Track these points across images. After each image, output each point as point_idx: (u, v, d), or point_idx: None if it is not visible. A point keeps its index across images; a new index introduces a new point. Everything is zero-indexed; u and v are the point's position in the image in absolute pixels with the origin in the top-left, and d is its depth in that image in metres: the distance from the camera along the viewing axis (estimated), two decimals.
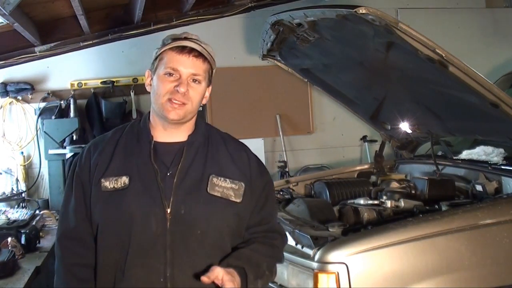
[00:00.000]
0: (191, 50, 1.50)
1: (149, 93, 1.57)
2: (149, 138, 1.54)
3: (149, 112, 1.60)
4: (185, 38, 1.51)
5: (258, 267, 1.51)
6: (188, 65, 1.49)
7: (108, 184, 1.48)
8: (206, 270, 1.42)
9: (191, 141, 1.56)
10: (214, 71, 1.59)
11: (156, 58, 1.54)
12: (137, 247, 1.44)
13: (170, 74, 1.49)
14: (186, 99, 1.49)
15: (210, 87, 1.61)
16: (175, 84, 1.48)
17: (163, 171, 1.49)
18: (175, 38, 1.52)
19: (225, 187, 1.51)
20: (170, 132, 1.55)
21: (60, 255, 1.55)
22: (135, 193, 1.47)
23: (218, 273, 1.39)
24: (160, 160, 1.51)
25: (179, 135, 1.56)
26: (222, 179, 1.52)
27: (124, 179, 1.48)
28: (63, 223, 1.58)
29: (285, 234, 1.70)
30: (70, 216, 1.54)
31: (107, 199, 1.48)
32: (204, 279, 1.39)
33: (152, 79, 1.55)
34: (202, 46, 1.51)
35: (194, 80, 1.51)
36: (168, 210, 1.45)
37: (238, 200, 1.52)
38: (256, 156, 1.66)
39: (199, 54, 1.51)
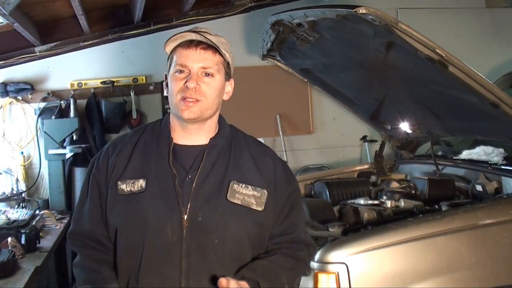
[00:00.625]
0: (198, 43, 1.43)
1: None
2: (169, 140, 1.48)
3: (165, 118, 1.55)
4: (192, 31, 1.44)
5: (275, 280, 1.43)
6: (196, 59, 1.42)
7: (125, 187, 1.43)
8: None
9: (212, 144, 1.49)
10: (231, 63, 1.51)
11: (168, 58, 1.49)
12: (151, 254, 1.39)
13: (181, 72, 1.43)
14: (198, 95, 1.42)
15: (232, 81, 1.54)
16: (186, 80, 1.41)
17: (182, 175, 1.43)
18: (181, 32, 1.45)
19: (246, 195, 1.44)
20: (190, 134, 1.49)
21: (78, 248, 1.49)
22: (151, 197, 1.41)
23: (223, 284, 1.31)
24: (179, 164, 1.45)
25: (200, 137, 1.50)
26: (244, 185, 1.45)
27: (141, 182, 1.42)
28: (76, 223, 1.52)
29: (314, 245, 1.62)
30: (85, 217, 1.49)
31: (123, 202, 1.42)
32: None
33: (167, 80, 1.49)
34: (208, 38, 1.42)
35: (207, 74, 1.44)
36: (185, 217, 1.39)
37: (259, 209, 1.44)
38: (283, 162, 1.60)
39: (207, 46, 1.43)
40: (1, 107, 4.23)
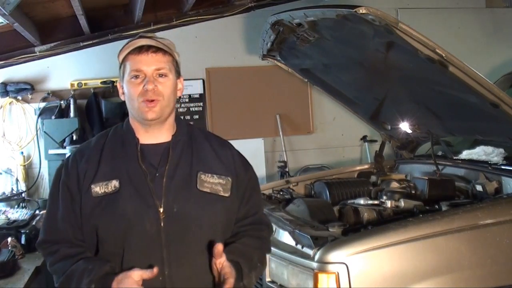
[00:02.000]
0: (148, 48, 1.52)
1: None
2: (135, 141, 1.56)
3: (126, 122, 1.62)
4: (140, 37, 1.55)
5: (250, 260, 1.54)
6: (149, 62, 1.51)
7: (98, 189, 1.49)
8: (203, 266, 1.48)
9: (175, 141, 1.58)
10: (179, 61, 1.61)
11: (120, 67, 1.57)
12: (134, 248, 1.46)
13: (136, 77, 1.51)
14: (157, 95, 1.51)
15: (182, 78, 1.63)
16: (143, 84, 1.50)
17: (152, 172, 1.51)
18: (130, 40, 1.55)
19: (213, 183, 1.55)
20: (152, 133, 1.57)
21: (53, 253, 1.53)
22: (127, 195, 1.48)
23: (220, 248, 1.42)
24: (147, 162, 1.53)
25: (162, 135, 1.58)
26: (210, 175, 1.55)
27: (115, 183, 1.49)
28: (49, 231, 1.55)
29: (271, 224, 1.75)
30: (59, 224, 1.52)
31: (100, 204, 1.48)
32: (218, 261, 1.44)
33: (123, 87, 1.57)
34: (158, 41, 1.53)
35: (160, 75, 1.52)
36: (161, 210, 1.47)
37: (226, 195, 1.55)
38: (239, 152, 1.69)
39: (157, 49, 1.53)
40: (1, 107, 4.23)
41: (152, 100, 1.49)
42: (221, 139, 1.71)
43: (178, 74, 1.60)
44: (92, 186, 1.49)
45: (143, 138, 1.57)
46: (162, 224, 1.46)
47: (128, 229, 1.46)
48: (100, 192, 1.48)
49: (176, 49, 1.60)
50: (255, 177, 1.69)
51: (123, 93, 1.57)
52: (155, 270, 1.39)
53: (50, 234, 1.55)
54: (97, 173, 1.51)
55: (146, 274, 1.38)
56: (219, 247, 1.42)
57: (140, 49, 1.52)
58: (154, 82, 1.50)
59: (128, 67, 1.53)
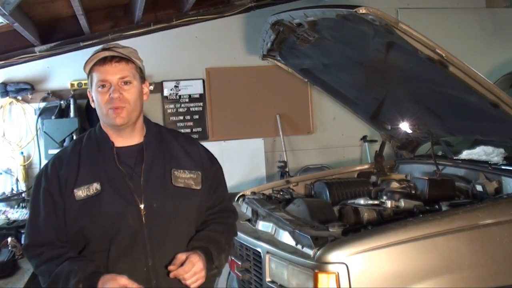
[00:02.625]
0: (111, 58, 1.62)
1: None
2: (110, 145, 1.67)
3: (98, 127, 1.72)
4: (104, 49, 1.64)
5: (218, 243, 1.70)
6: (113, 72, 1.61)
7: (81, 193, 1.58)
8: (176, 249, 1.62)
9: (147, 141, 1.70)
10: (142, 67, 1.71)
11: (88, 77, 1.67)
12: (119, 243, 1.57)
13: (103, 86, 1.62)
14: (123, 102, 1.61)
15: (147, 83, 1.74)
16: (109, 93, 1.61)
17: (129, 172, 1.63)
18: (95, 52, 1.65)
19: (185, 178, 1.68)
20: (125, 137, 1.68)
21: (38, 256, 1.61)
22: (108, 196, 1.59)
23: (181, 258, 1.58)
24: (124, 163, 1.64)
25: (134, 137, 1.70)
26: (182, 171, 1.69)
27: (96, 186, 1.59)
28: (32, 235, 1.63)
29: (236, 210, 1.92)
30: (41, 228, 1.60)
31: (83, 206, 1.58)
32: (172, 268, 1.57)
33: (92, 96, 1.67)
34: (119, 51, 1.63)
35: (125, 83, 1.63)
36: (142, 206, 1.59)
37: (198, 188, 1.70)
38: (204, 147, 1.84)
39: (120, 59, 1.63)
40: (1, 107, 4.23)
41: (118, 107, 1.60)
42: (188, 136, 1.86)
43: (142, 80, 1.70)
44: (75, 190, 1.58)
45: (117, 141, 1.68)
46: (144, 220, 1.59)
47: (112, 227, 1.57)
48: (83, 196, 1.58)
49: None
50: (220, 169, 1.84)
51: (93, 101, 1.67)
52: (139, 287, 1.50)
53: (34, 238, 1.63)
54: (77, 178, 1.60)
55: (132, 285, 1.48)
56: (172, 268, 1.58)
57: (104, 60, 1.62)
58: (120, 90, 1.61)
59: (95, 77, 1.63)
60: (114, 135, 1.68)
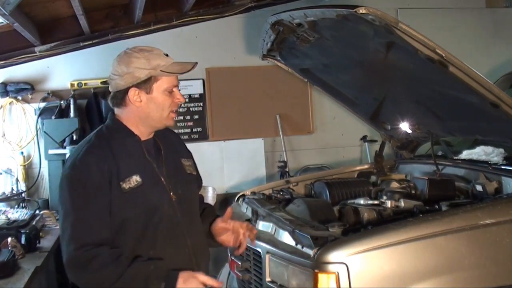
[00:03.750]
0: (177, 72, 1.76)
1: None
2: (137, 139, 1.76)
3: (115, 119, 1.80)
4: (169, 58, 1.76)
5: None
6: (176, 83, 1.78)
7: (125, 185, 1.66)
8: (202, 232, 1.87)
9: (156, 135, 1.83)
10: None
11: (148, 79, 1.71)
12: (162, 230, 1.70)
13: (170, 92, 1.75)
14: None
15: None
16: (177, 97, 1.76)
17: (155, 165, 1.76)
18: (168, 61, 1.73)
19: (187, 165, 1.88)
20: (148, 132, 1.79)
21: (94, 259, 1.59)
22: (148, 187, 1.70)
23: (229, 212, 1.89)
24: (149, 156, 1.76)
25: (151, 132, 1.81)
26: (184, 159, 1.88)
27: (136, 178, 1.69)
28: (83, 234, 1.61)
29: None
30: (93, 226, 1.62)
31: (128, 198, 1.66)
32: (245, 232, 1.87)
33: (142, 96, 1.72)
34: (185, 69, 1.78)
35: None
36: (172, 194, 1.75)
37: (195, 173, 1.92)
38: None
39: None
40: (1, 107, 4.23)
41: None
42: (168, 128, 1.91)
43: None
44: (121, 183, 1.66)
45: (141, 136, 1.78)
46: (175, 205, 1.75)
47: (155, 215, 1.69)
48: (126, 188, 1.66)
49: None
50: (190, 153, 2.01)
51: (141, 101, 1.73)
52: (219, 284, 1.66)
53: (87, 238, 1.61)
54: (119, 171, 1.67)
55: (209, 281, 1.62)
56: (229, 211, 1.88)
57: (174, 73, 1.75)
58: None
59: (166, 82, 1.73)
60: (137, 131, 1.76)
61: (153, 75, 1.71)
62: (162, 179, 1.74)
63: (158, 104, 1.73)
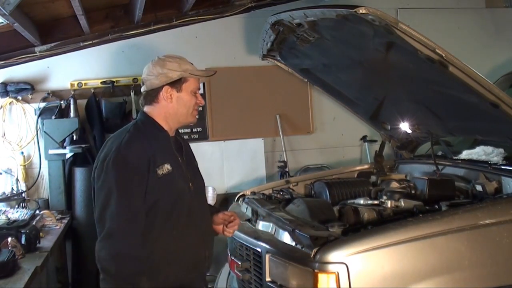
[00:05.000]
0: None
1: None
2: (166, 134, 2.04)
3: (147, 116, 2.06)
4: (199, 70, 2.11)
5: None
6: (199, 86, 2.11)
7: (160, 171, 1.92)
8: (211, 220, 2.19)
9: (177, 134, 2.15)
10: None
11: (180, 79, 2.02)
12: (185, 213, 1.98)
13: (194, 94, 2.06)
14: None
15: None
16: (199, 98, 2.08)
17: (180, 158, 2.05)
18: (197, 70, 2.08)
19: (196, 163, 2.20)
20: (174, 130, 2.10)
21: (129, 237, 1.83)
22: (175, 175, 1.97)
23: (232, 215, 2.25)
24: (176, 150, 2.05)
25: (175, 131, 2.12)
26: (194, 158, 2.20)
27: (167, 166, 1.95)
28: (127, 211, 1.85)
29: None
30: (134, 205, 1.86)
31: (161, 183, 1.92)
32: (232, 219, 2.23)
33: (173, 94, 2.02)
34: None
35: None
36: (190, 184, 2.04)
37: (200, 172, 2.22)
38: None
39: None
40: (1, 107, 4.23)
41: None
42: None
43: None
44: (157, 169, 1.91)
45: (168, 131, 2.06)
46: (193, 194, 2.04)
47: (178, 199, 1.97)
48: (160, 174, 1.92)
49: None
50: None
51: (171, 98, 2.02)
52: None
53: (126, 215, 1.84)
54: (156, 158, 1.93)
55: None
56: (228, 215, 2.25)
57: (199, 79, 2.09)
58: None
59: (194, 84, 2.06)
60: (166, 126, 2.04)
61: (183, 77, 2.02)
62: (185, 170, 2.03)
63: (185, 102, 2.04)
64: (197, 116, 2.13)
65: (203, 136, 4.69)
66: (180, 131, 2.22)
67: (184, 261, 1.99)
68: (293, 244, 2.32)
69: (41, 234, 3.02)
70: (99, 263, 1.81)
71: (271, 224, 2.57)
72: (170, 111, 2.03)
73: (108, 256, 1.79)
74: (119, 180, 1.86)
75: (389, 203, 2.68)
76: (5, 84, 4.21)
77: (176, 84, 2.01)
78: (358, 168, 3.82)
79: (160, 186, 1.91)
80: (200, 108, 2.21)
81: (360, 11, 2.26)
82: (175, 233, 1.96)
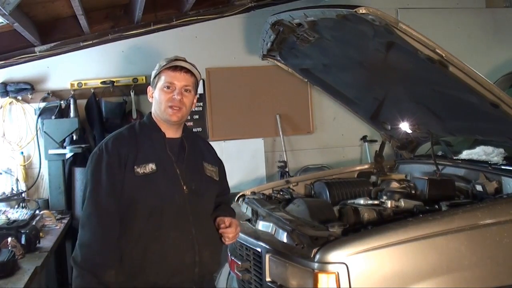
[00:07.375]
0: (181, 68, 2.00)
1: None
2: (162, 135, 2.03)
3: (149, 117, 2.08)
4: (176, 59, 2.01)
5: (235, 215, 2.22)
6: (181, 79, 2.00)
7: (139, 170, 1.91)
8: (212, 227, 2.08)
9: (185, 137, 2.10)
10: (199, 83, 2.11)
11: (155, 77, 2.03)
12: (169, 215, 1.93)
13: (168, 87, 1.99)
14: (181, 104, 1.99)
15: (197, 96, 2.12)
16: (173, 94, 1.98)
17: (174, 159, 2.00)
18: (169, 61, 2.01)
19: (210, 170, 2.12)
20: (173, 130, 2.05)
21: (94, 228, 1.87)
22: (161, 175, 1.94)
23: (226, 221, 2.09)
24: (171, 151, 2.01)
25: (177, 133, 2.08)
26: (208, 164, 2.12)
27: (151, 166, 1.94)
28: (95, 203, 1.89)
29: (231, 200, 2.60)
30: (103, 198, 1.88)
31: (141, 181, 1.91)
32: (222, 226, 2.07)
33: (153, 93, 2.05)
34: (189, 64, 2.02)
35: (186, 90, 2.01)
36: (185, 187, 1.98)
37: (217, 179, 2.15)
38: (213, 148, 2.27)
39: (187, 70, 2.01)
40: (1, 107, 4.23)
41: (176, 107, 1.98)
42: (203, 137, 2.25)
43: (196, 93, 2.09)
44: (135, 167, 1.91)
45: (166, 133, 2.03)
46: (187, 197, 1.97)
47: (162, 201, 1.92)
48: (140, 172, 1.91)
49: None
50: (223, 165, 2.26)
51: (152, 97, 2.05)
52: None
53: (94, 205, 1.88)
54: (137, 157, 1.93)
55: None
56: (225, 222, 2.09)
57: (175, 68, 1.99)
58: (181, 94, 1.99)
59: (163, 79, 2.00)
60: (164, 128, 2.03)
61: (157, 74, 2.02)
62: (178, 172, 1.98)
63: (157, 99, 2.02)
64: (172, 113, 1.97)
65: (203, 136, 4.69)
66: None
67: (166, 264, 1.92)
68: (293, 244, 2.32)
69: (41, 234, 3.02)
70: None
71: (271, 224, 2.57)
72: (153, 110, 2.06)
73: (77, 245, 1.87)
74: (93, 174, 1.93)
75: (389, 203, 2.68)
76: (5, 84, 4.21)
77: (153, 82, 2.05)
78: (358, 168, 3.82)
79: (139, 185, 1.90)
80: (194, 108, 2.17)
81: (360, 11, 2.26)
82: (157, 235, 1.91)
